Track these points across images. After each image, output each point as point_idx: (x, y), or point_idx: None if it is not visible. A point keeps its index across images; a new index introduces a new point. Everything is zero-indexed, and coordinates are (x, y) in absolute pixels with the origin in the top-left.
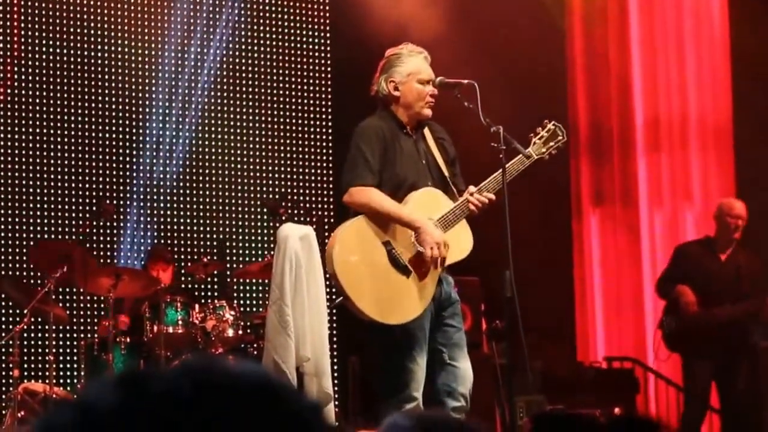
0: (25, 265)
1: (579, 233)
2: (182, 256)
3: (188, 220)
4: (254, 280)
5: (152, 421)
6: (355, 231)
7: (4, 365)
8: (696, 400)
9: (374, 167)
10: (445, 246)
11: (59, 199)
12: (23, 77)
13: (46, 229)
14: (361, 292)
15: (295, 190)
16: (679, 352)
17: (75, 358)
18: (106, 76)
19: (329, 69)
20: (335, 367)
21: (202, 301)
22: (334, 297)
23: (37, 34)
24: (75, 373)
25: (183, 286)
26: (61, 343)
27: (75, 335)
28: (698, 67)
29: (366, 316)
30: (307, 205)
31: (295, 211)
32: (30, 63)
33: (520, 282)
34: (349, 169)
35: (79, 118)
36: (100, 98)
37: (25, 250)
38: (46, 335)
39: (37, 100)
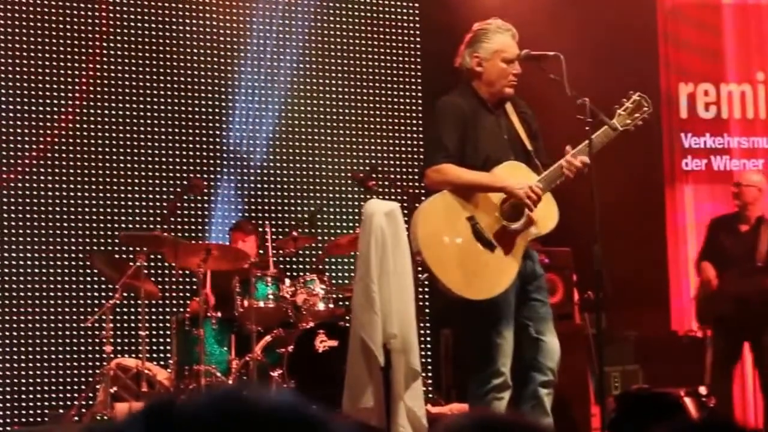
0: (116, 241)
1: (672, 202)
2: (272, 230)
3: (278, 193)
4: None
5: None
6: (439, 206)
7: (96, 341)
8: (716, 370)
9: (449, 145)
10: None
11: (149, 173)
12: (111, 56)
13: (137, 203)
14: (445, 267)
15: (384, 161)
16: (706, 325)
17: (167, 333)
18: (194, 50)
19: (418, 40)
20: (428, 339)
21: (293, 275)
22: (419, 273)
23: (124, 13)
24: (167, 348)
25: (273, 259)
26: (152, 318)
27: (167, 310)
28: None
29: (451, 291)
30: (396, 176)
31: (385, 183)
32: (118, 41)
33: (614, 251)
34: (426, 155)
35: (168, 92)
36: (188, 73)
37: (116, 226)
38: (138, 310)
39: (126, 76)
